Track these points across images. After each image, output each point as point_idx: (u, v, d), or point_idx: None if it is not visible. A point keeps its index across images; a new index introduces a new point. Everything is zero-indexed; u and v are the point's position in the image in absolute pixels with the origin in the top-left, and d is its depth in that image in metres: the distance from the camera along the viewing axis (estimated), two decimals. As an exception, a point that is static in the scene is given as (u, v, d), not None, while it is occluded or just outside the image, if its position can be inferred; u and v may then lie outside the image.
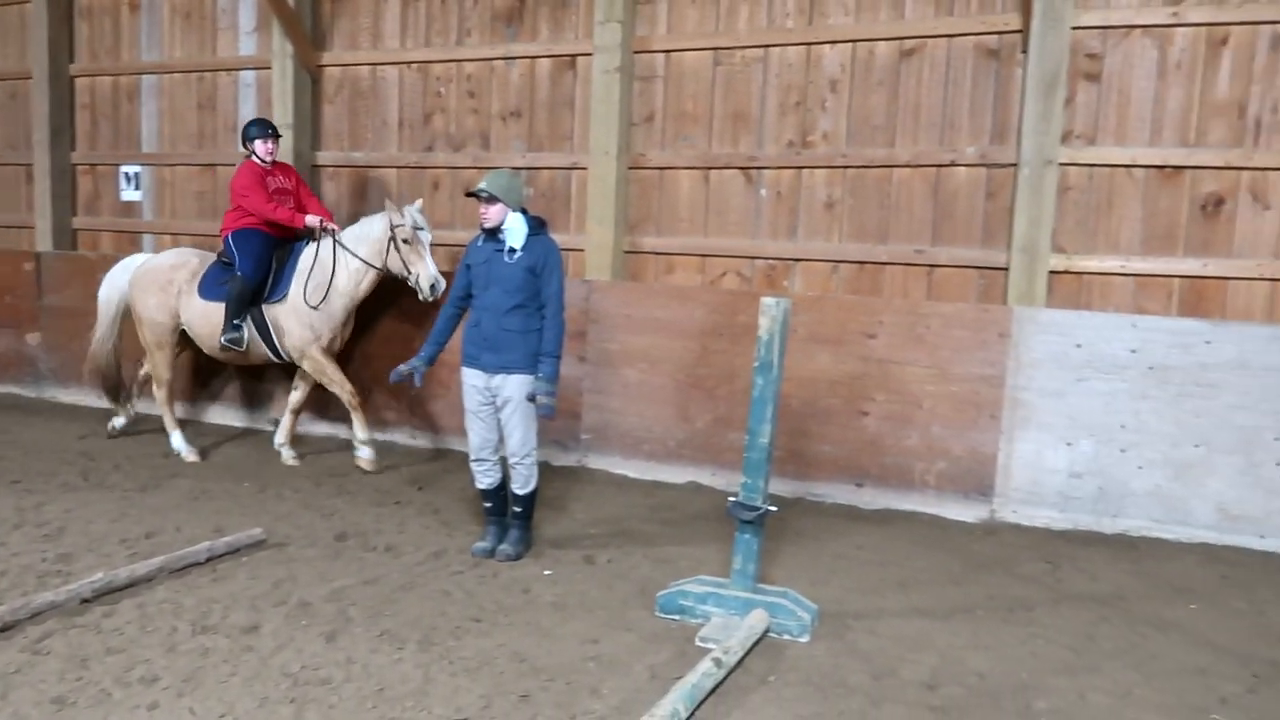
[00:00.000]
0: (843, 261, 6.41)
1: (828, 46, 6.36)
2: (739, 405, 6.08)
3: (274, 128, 6.72)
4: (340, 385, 6.53)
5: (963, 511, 5.83)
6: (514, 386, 4.76)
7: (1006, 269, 5.91)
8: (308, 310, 6.44)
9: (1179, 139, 5.67)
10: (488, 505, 5.04)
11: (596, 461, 6.74)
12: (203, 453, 6.85)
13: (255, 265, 6.47)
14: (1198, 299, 5.69)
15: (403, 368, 4.92)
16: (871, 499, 6.04)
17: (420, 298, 6.35)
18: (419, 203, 6.56)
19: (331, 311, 6.49)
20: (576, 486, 6.31)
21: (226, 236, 6.60)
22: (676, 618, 4.18)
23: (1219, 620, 4.39)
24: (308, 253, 6.55)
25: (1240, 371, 5.34)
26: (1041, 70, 5.72)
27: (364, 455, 6.52)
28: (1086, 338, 5.60)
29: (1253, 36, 5.51)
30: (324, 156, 7.84)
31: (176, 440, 6.84)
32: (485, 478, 4.96)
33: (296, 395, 6.84)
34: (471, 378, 4.84)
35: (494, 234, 4.80)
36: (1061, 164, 5.80)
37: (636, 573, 4.77)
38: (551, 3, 7.02)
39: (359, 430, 6.52)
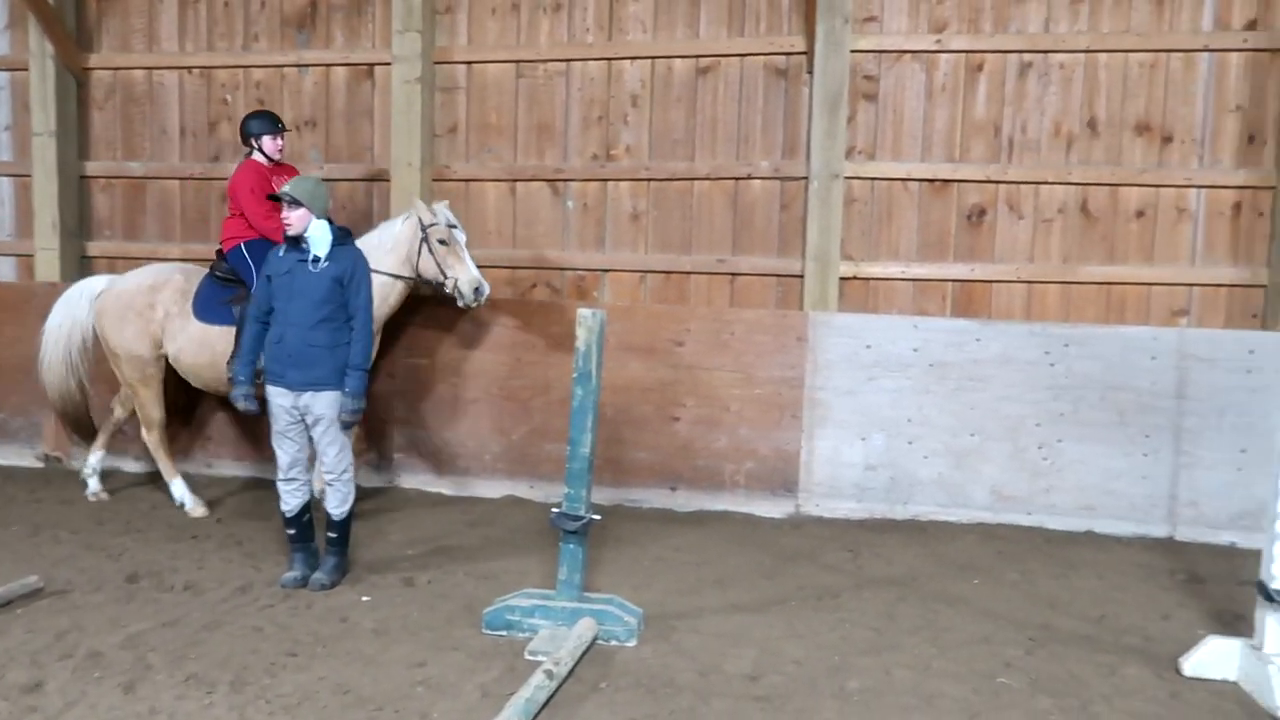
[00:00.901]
0: (650, 271, 6.58)
1: (628, 62, 6.52)
2: (555, 416, 6.12)
3: (281, 121, 5.93)
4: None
5: (771, 508, 6.12)
6: (325, 404, 4.58)
7: (802, 276, 6.27)
8: None
9: (946, 155, 6.21)
10: (291, 532, 4.81)
11: (410, 480, 6.58)
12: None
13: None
14: (968, 300, 6.25)
15: (242, 405, 4.75)
16: (686, 501, 6.23)
17: (460, 304, 5.72)
18: (445, 202, 5.98)
19: None
20: (390, 507, 6.13)
21: (235, 247, 5.77)
22: (504, 633, 4.15)
23: (998, 592, 4.84)
24: None
25: (1005, 365, 5.91)
26: (825, 90, 6.12)
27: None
28: (875, 339, 6.03)
29: (1003, 64, 6.13)
30: (94, 166, 7.23)
31: (179, 490, 6.00)
32: (293, 498, 4.73)
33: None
34: (278, 396, 4.62)
35: (296, 243, 4.62)
36: (847, 177, 6.21)
37: (459, 591, 4.70)
38: (346, 9, 6.81)
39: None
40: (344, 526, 4.80)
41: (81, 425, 6.36)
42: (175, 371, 5.98)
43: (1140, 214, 6.05)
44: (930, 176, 6.21)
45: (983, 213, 6.21)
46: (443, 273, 5.68)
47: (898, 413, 6.01)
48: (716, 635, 4.21)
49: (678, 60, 6.47)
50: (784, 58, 6.33)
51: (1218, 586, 4.95)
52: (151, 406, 5.94)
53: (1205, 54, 5.92)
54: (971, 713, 3.54)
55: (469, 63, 6.70)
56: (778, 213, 6.41)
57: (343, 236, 4.70)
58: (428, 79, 6.62)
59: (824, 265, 6.19)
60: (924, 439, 5.99)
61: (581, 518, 4.14)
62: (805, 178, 6.24)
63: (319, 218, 4.61)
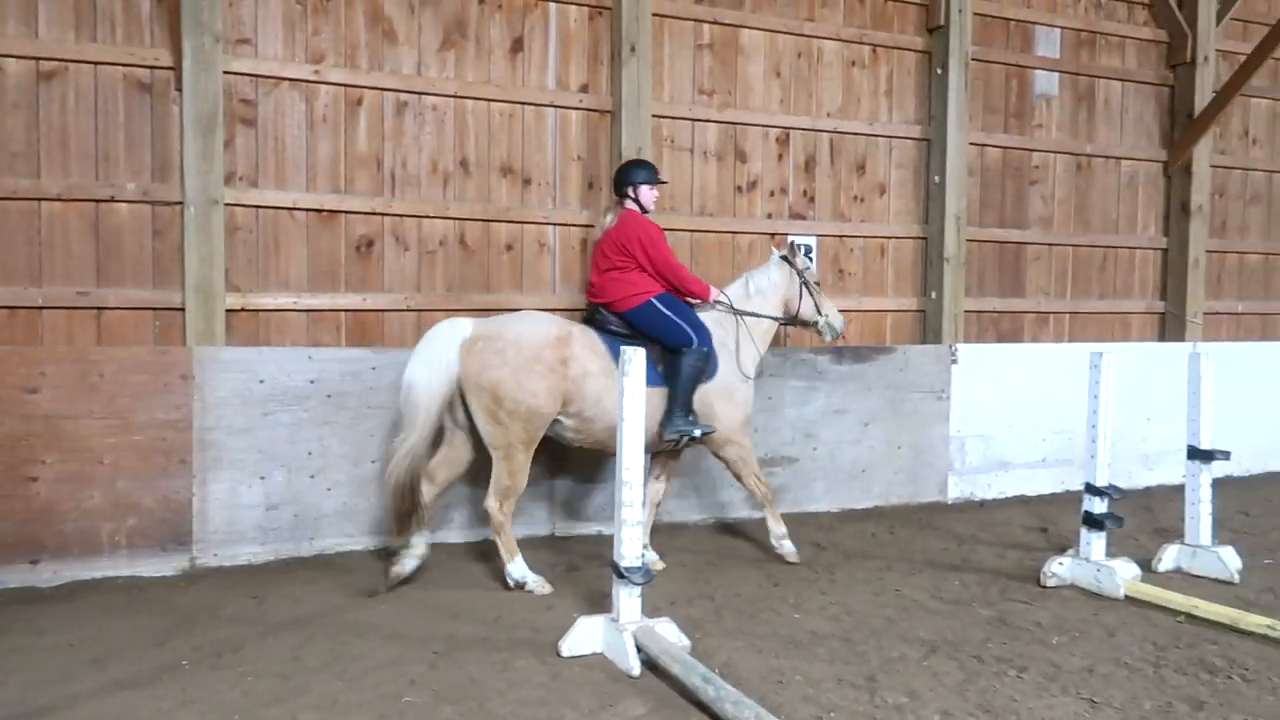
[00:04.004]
0: (-14, 307, 5.55)
1: (-61, 56, 5.42)
2: None
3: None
4: (760, 477, 5.95)
5: (161, 566, 5.54)
6: None
7: (183, 309, 5.80)
8: (740, 386, 5.83)
9: (332, 185, 6.25)
10: None
11: None
12: None
13: (709, 337, 5.73)
14: (362, 330, 6.36)
15: None
16: (53, 574, 5.35)
17: (827, 339, 6.27)
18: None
19: (751, 386, 5.95)
20: None
21: (643, 305, 5.61)
22: None
23: (405, 612, 4.99)
24: (710, 319, 5.87)
25: (399, 393, 6.11)
26: (197, 110, 5.75)
27: (789, 548, 5.98)
28: (269, 372, 5.81)
29: (382, 100, 6.37)
30: None
31: (519, 569, 5.34)
32: None
33: (661, 486, 6.04)
34: None
35: None
36: (227, 204, 5.91)
37: None
38: None
39: (776, 525, 5.98)
40: None
41: (406, 510, 5.26)
42: None
43: (509, 247, 6.74)
44: (317, 206, 6.19)
45: (370, 244, 6.37)
46: (818, 311, 6.15)
47: (297, 447, 5.87)
48: (92, 725, 3.68)
49: (11, 60, 5.55)
50: (148, 71, 5.81)
51: (590, 572, 5.71)
52: (521, 474, 5.39)
53: (551, 109, 6.81)
54: (379, 739, 3.59)
55: None
56: (150, 240, 5.85)
57: None
58: None
59: (208, 297, 5.81)
60: (326, 471, 5.94)
61: (-107, 620, 3.32)
62: (180, 203, 5.80)
63: None
